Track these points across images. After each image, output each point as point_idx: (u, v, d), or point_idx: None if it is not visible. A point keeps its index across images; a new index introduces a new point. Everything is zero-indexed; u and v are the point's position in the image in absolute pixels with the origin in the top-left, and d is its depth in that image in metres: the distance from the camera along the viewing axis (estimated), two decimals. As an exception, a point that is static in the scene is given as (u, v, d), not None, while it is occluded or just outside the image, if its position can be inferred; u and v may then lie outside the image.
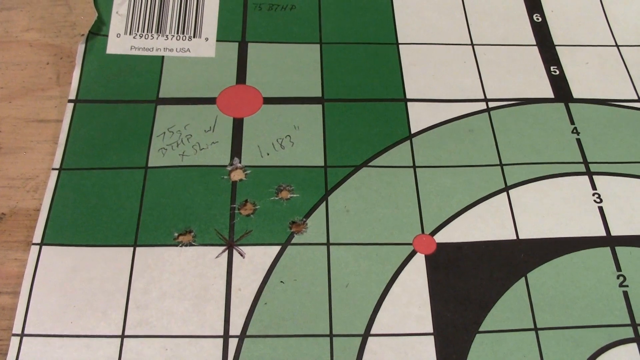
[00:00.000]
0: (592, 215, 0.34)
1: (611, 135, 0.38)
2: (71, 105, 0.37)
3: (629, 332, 0.31)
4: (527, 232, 0.34)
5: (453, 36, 0.42)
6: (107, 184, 0.34)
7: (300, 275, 0.32)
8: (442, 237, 0.33)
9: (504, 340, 0.30)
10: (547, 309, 0.31)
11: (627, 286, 0.32)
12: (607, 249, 0.33)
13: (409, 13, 0.43)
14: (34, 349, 0.29)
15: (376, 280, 0.32)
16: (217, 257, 0.32)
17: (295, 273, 0.32)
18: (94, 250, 0.32)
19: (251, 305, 0.31)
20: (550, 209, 0.35)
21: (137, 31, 0.40)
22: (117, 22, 0.41)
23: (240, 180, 0.35)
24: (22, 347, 0.29)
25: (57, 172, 0.35)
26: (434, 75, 0.40)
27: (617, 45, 0.42)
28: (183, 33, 0.41)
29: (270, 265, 0.32)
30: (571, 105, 0.39)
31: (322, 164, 0.36)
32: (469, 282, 0.32)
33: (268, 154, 0.36)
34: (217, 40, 0.41)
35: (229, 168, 0.35)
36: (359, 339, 0.30)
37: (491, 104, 0.39)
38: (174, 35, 0.40)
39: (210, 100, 0.38)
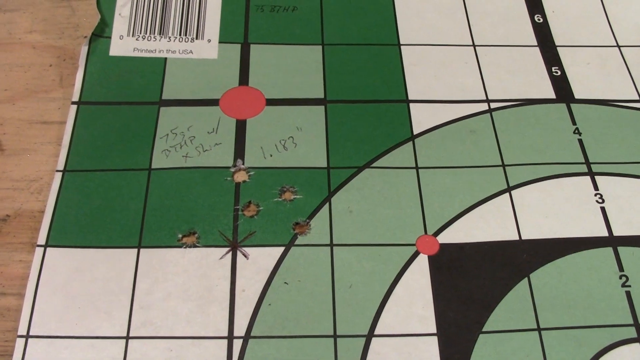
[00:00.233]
0: (594, 216, 0.35)
1: (613, 135, 0.38)
2: (74, 107, 0.37)
3: (631, 332, 0.31)
4: (530, 232, 0.34)
5: (454, 37, 0.42)
6: (111, 185, 0.34)
7: (304, 276, 0.32)
8: (445, 237, 0.33)
9: (507, 340, 0.31)
10: (550, 309, 0.31)
11: (629, 286, 0.32)
12: (610, 249, 0.33)
13: (411, 14, 0.43)
14: (39, 350, 0.30)
15: (379, 281, 0.32)
16: (221, 258, 0.33)
17: (299, 274, 0.32)
18: (98, 251, 0.32)
19: (255, 306, 0.31)
20: (552, 209, 0.35)
21: (140, 33, 0.41)
22: (119, 24, 0.41)
23: (244, 181, 0.35)
24: (27, 349, 0.30)
25: (61, 173, 0.35)
26: (435, 76, 0.40)
27: (618, 46, 0.42)
28: (185, 35, 0.41)
29: (274, 266, 0.32)
30: (573, 105, 0.39)
31: (325, 165, 0.36)
32: (472, 283, 0.32)
33: (271, 156, 0.36)
34: (220, 42, 0.41)
35: (232, 169, 0.35)
36: (363, 340, 0.30)
37: (493, 105, 0.39)
38: (176, 37, 0.40)
39: (213, 102, 0.38)
